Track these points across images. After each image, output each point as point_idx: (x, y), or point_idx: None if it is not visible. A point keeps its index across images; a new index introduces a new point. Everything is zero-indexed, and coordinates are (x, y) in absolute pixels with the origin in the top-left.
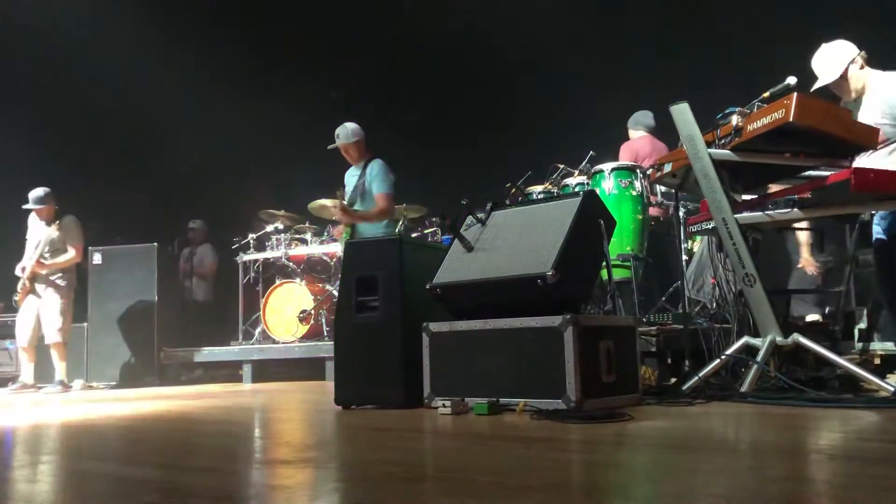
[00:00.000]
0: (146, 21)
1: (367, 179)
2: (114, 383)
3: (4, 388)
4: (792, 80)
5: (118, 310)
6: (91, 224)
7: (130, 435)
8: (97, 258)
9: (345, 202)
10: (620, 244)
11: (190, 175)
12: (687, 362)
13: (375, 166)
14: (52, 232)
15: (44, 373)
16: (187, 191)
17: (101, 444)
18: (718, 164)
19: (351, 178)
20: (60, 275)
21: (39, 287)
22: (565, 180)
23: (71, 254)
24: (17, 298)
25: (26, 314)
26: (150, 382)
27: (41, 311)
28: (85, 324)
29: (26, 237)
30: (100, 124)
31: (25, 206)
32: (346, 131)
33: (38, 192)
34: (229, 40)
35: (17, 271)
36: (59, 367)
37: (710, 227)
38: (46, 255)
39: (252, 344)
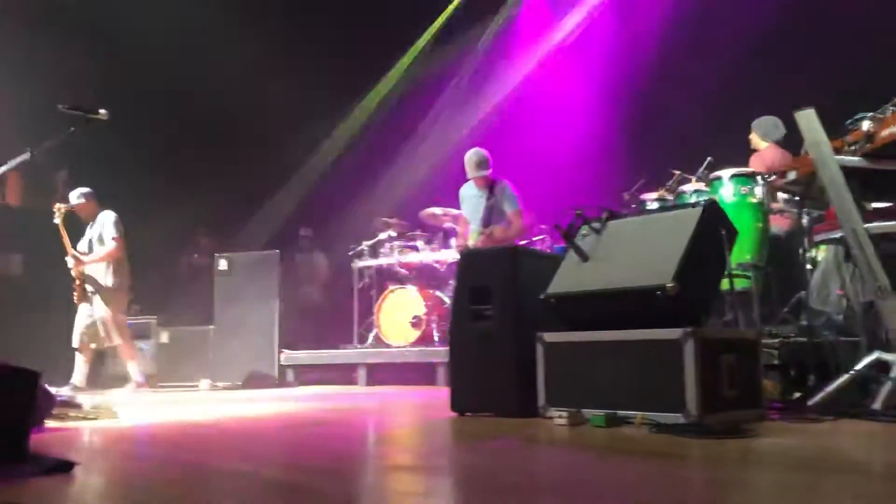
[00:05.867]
0: (262, 27)
1: (497, 201)
2: (237, 384)
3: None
4: None
5: (242, 314)
6: (212, 231)
7: (254, 435)
8: (223, 265)
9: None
10: (740, 253)
11: (308, 185)
12: (812, 376)
13: (506, 188)
14: (93, 231)
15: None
16: (304, 200)
17: (228, 443)
18: (847, 172)
19: (472, 197)
20: (107, 273)
21: (91, 291)
22: (681, 187)
23: (108, 247)
24: (75, 300)
25: (81, 315)
26: (270, 384)
27: (95, 316)
28: (211, 327)
29: None
30: (224, 139)
31: (68, 207)
32: (486, 161)
33: (76, 190)
34: (343, 49)
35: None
36: (131, 368)
37: (836, 236)
38: (87, 253)
39: (366, 347)
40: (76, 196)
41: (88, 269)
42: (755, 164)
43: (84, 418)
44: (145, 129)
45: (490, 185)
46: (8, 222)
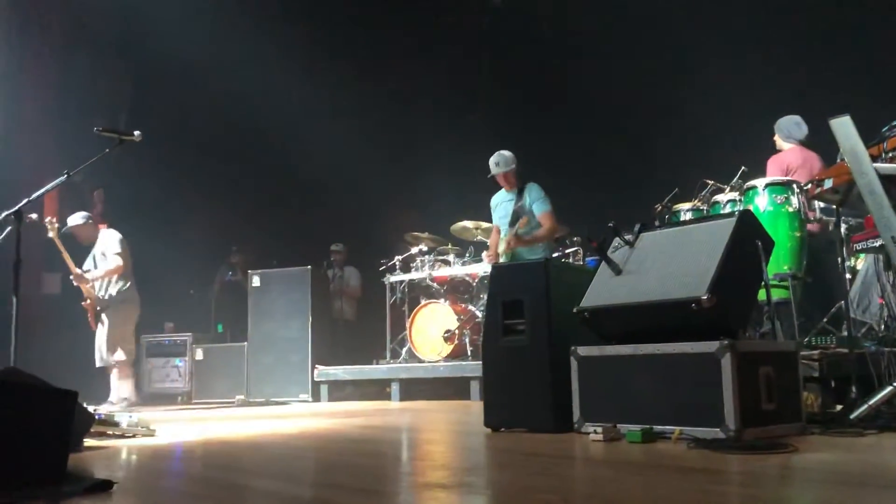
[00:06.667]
0: (295, 51)
1: (526, 203)
2: (271, 400)
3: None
4: None
5: (275, 330)
6: (245, 249)
7: (288, 452)
8: (256, 281)
9: (511, 244)
10: (777, 263)
11: (338, 200)
12: (853, 388)
13: (533, 189)
14: (96, 250)
15: (94, 393)
16: (335, 216)
17: (262, 460)
18: (886, 180)
19: (502, 203)
20: (111, 287)
21: (105, 311)
22: (715, 197)
23: (112, 262)
24: (91, 326)
25: (98, 335)
26: (303, 399)
27: (103, 333)
28: (245, 343)
29: None
30: (255, 156)
31: (65, 230)
32: (506, 159)
33: (76, 214)
34: (376, 70)
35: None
36: (122, 386)
37: (876, 244)
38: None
39: (399, 363)
40: (76, 219)
41: (95, 289)
42: (771, 168)
43: (122, 436)
44: (178, 149)
45: (519, 188)
46: (46, 242)
